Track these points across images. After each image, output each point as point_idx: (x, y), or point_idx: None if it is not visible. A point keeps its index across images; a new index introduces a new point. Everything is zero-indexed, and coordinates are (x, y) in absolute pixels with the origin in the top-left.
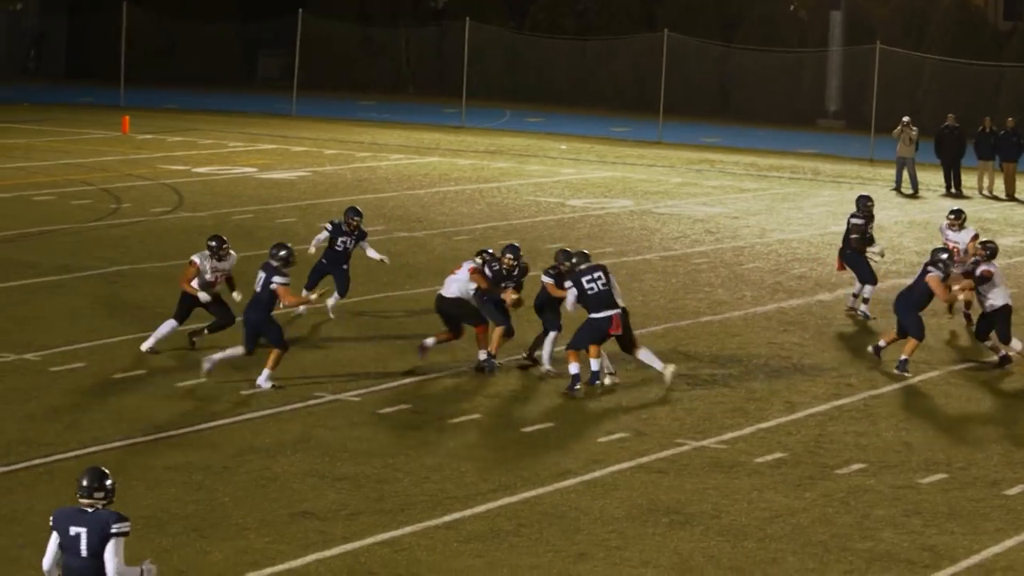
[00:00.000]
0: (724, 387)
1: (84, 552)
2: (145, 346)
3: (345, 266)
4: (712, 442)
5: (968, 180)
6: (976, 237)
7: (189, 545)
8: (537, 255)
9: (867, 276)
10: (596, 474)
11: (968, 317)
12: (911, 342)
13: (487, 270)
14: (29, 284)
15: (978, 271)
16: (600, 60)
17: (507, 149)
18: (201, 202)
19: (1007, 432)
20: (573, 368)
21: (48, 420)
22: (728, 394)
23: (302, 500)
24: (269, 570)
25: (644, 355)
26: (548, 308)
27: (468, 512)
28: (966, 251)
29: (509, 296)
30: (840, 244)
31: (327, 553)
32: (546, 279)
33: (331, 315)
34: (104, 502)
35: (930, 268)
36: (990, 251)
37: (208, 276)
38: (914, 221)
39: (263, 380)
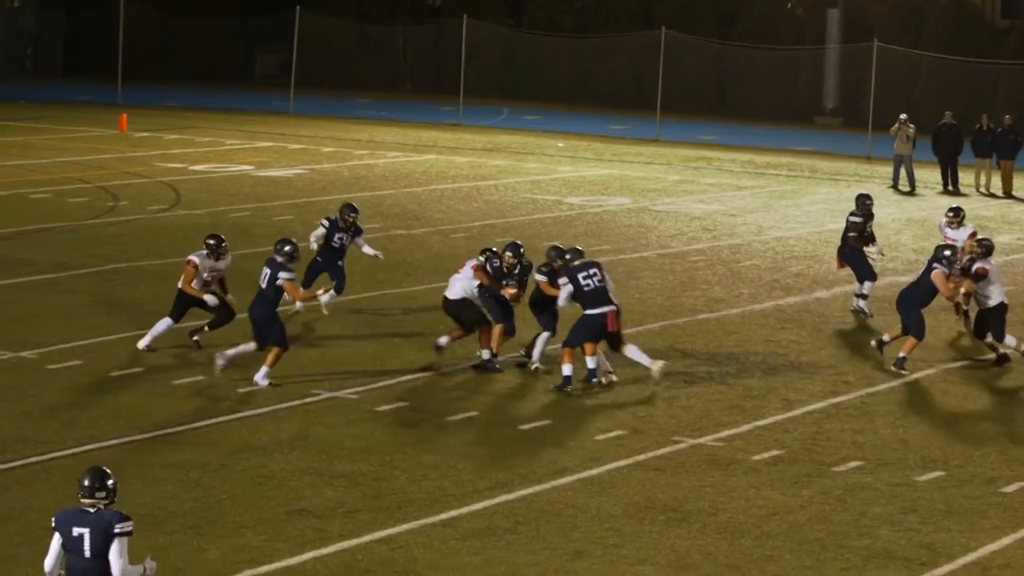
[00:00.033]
0: (721, 385)
1: (88, 552)
2: (141, 344)
3: (340, 262)
4: (709, 440)
5: (965, 178)
6: (974, 235)
7: (186, 543)
8: (535, 253)
9: (866, 273)
10: (593, 472)
11: (966, 315)
12: (910, 341)
13: (488, 267)
14: (26, 282)
15: (973, 268)
16: (597, 58)
17: (504, 147)
18: (198, 200)
19: (1004, 430)
20: (566, 369)
21: (45, 418)
22: (725, 392)
23: (299, 498)
24: (266, 568)
25: (632, 352)
26: (543, 307)
27: (465, 510)
28: (962, 248)
29: (507, 291)
30: (839, 243)
31: (324, 551)
32: (539, 277)
33: (325, 311)
34: (106, 502)
35: (935, 264)
36: (985, 248)
37: (205, 275)
38: (911, 219)
39: (260, 378)
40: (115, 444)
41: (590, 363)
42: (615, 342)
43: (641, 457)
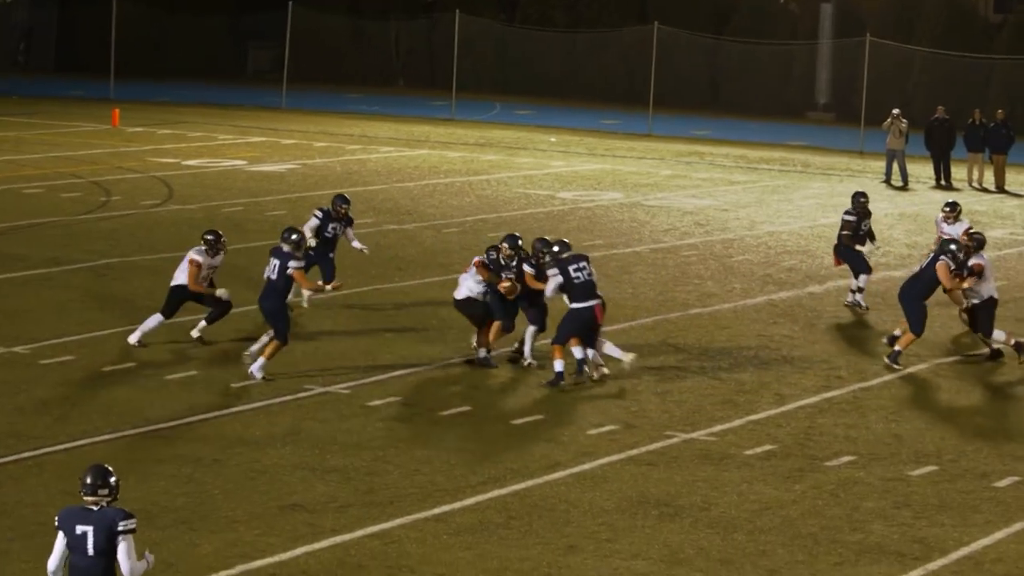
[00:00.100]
0: (714, 379)
1: (91, 551)
2: (132, 339)
3: (332, 254)
4: (702, 434)
5: (958, 172)
6: (969, 230)
7: (179, 538)
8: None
9: (862, 267)
10: (586, 466)
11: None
12: (907, 336)
13: (486, 259)
14: (18, 277)
15: (969, 262)
16: (590, 52)
17: (497, 142)
18: (191, 195)
19: (997, 424)
20: (558, 365)
21: (37, 413)
22: (718, 386)
23: (292, 493)
24: (259, 563)
25: (608, 348)
26: (531, 300)
27: (458, 504)
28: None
29: (502, 284)
30: (836, 240)
31: (317, 545)
32: (528, 269)
33: (305, 304)
34: (109, 499)
35: (941, 256)
36: (977, 242)
37: (203, 272)
38: (904, 213)
39: (256, 369)
40: (108, 439)
41: (577, 353)
42: (592, 339)
43: (634, 452)
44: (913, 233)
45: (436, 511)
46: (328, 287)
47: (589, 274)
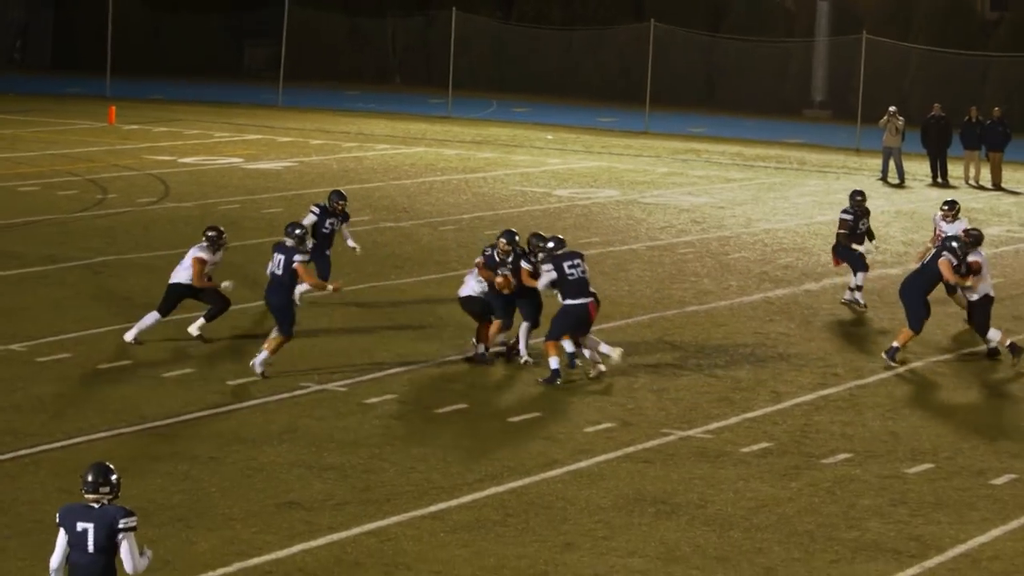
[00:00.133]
0: (710, 377)
1: (91, 548)
2: (128, 336)
3: (328, 251)
4: (698, 432)
5: (954, 170)
6: (967, 229)
7: (175, 535)
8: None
9: (859, 264)
10: (582, 464)
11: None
12: (905, 332)
13: (483, 256)
14: (14, 275)
15: (968, 259)
16: (587, 50)
17: (493, 139)
18: (187, 192)
19: (993, 422)
20: (553, 362)
21: (34, 411)
22: (714, 384)
23: (288, 490)
24: (255, 560)
25: (600, 347)
26: (526, 297)
27: (454, 502)
28: None
29: (498, 280)
30: (834, 240)
31: (313, 543)
32: (524, 265)
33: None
34: (110, 497)
35: (943, 253)
36: (973, 239)
37: (207, 269)
38: (900, 211)
39: (258, 363)
40: (104, 437)
41: (568, 347)
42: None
43: (630, 449)
44: (909, 231)
45: (433, 509)
46: (330, 287)
47: (583, 271)
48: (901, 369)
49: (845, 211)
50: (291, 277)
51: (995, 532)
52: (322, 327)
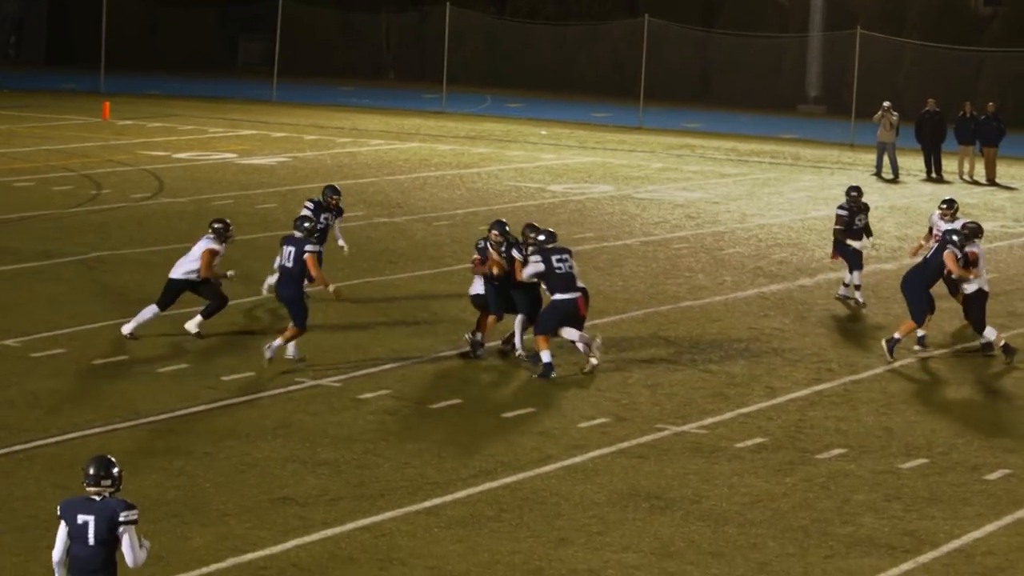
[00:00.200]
0: (705, 372)
1: (91, 540)
2: (125, 329)
3: (320, 248)
4: (693, 427)
5: (948, 165)
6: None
7: (170, 531)
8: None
9: (855, 263)
10: (577, 459)
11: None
12: (908, 323)
13: (476, 249)
14: (9, 270)
15: (966, 249)
16: (581, 45)
17: (487, 134)
18: (181, 188)
19: (988, 417)
20: (545, 356)
21: (28, 406)
22: (709, 379)
23: (283, 486)
24: (250, 556)
25: (569, 334)
26: (520, 290)
27: (449, 497)
28: None
29: (491, 264)
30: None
31: (307, 539)
32: (516, 255)
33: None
34: (112, 490)
35: (947, 246)
36: (971, 230)
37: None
38: (895, 206)
39: (269, 350)
40: (99, 432)
41: (566, 335)
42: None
43: (624, 445)
44: (904, 226)
45: (427, 504)
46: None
47: (570, 267)
48: (895, 365)
49: (841, 207)
50: (301, 269)
51: (989, 527)
52: (316, 322)
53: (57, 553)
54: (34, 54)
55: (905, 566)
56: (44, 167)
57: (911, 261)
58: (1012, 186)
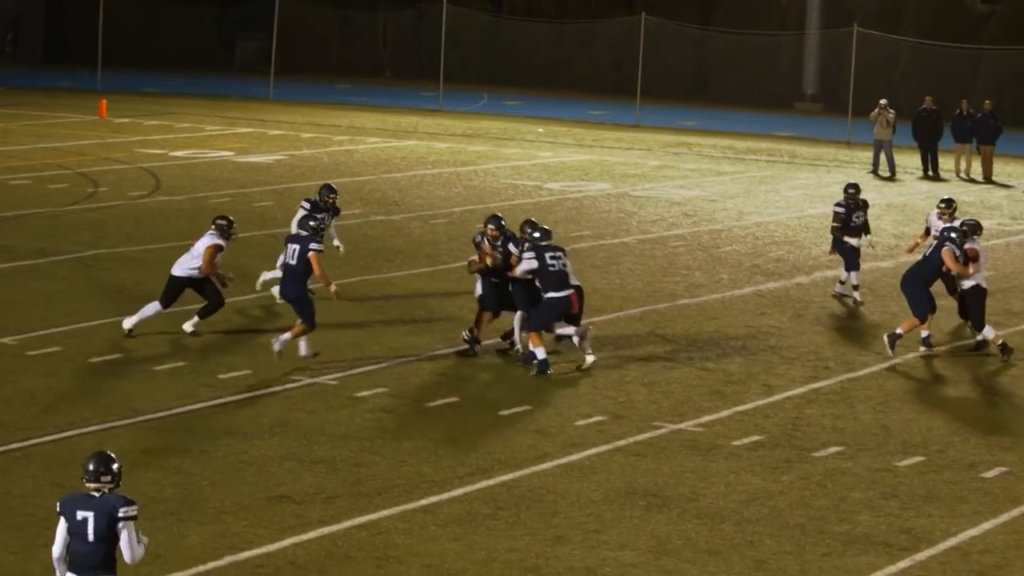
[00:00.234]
0: (701, 370)
1: (91, 536)
2: (126, 324)
3: None
4: (689, 425)
5: (945, 163)
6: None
7: (167, 529)
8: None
9: (852, 263)
10: (573, 457)
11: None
12: (910, 320)
13: (474, 244)
14: (5, 268)
15: (965, 246)
16: (578, 43)
17: (484, 132)
18: (178, 186)
19: (984, 415)
20: (540, 353)
21: (25, 404)
22: (705, 377)
23: (279, 484)
24: (247, 554)
25: (563, 329)
26: (517, 285)
27: (445, 495)
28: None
29: (486, 258)
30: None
31: (304, 536)
32: (513, 249)
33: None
34: (111, 486)
35: (945, 243)
36: (970, 227)
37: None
38: (891, 204)
39: (279, 343)
40: (95, 430)
41: (559, 329)
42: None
43: (621, 442)
44: (900, 224)
45: (424, 502)
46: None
47: (564, 265)
48: (892, 362)
49: (838, 204)
50: (306, 267)
51: (986, 525)
52: None
53: (57, 549)
54: (31, 51)
55: (902, 564)
56: (40, 165)
57: (908, 259)
58: (1009, 184)
